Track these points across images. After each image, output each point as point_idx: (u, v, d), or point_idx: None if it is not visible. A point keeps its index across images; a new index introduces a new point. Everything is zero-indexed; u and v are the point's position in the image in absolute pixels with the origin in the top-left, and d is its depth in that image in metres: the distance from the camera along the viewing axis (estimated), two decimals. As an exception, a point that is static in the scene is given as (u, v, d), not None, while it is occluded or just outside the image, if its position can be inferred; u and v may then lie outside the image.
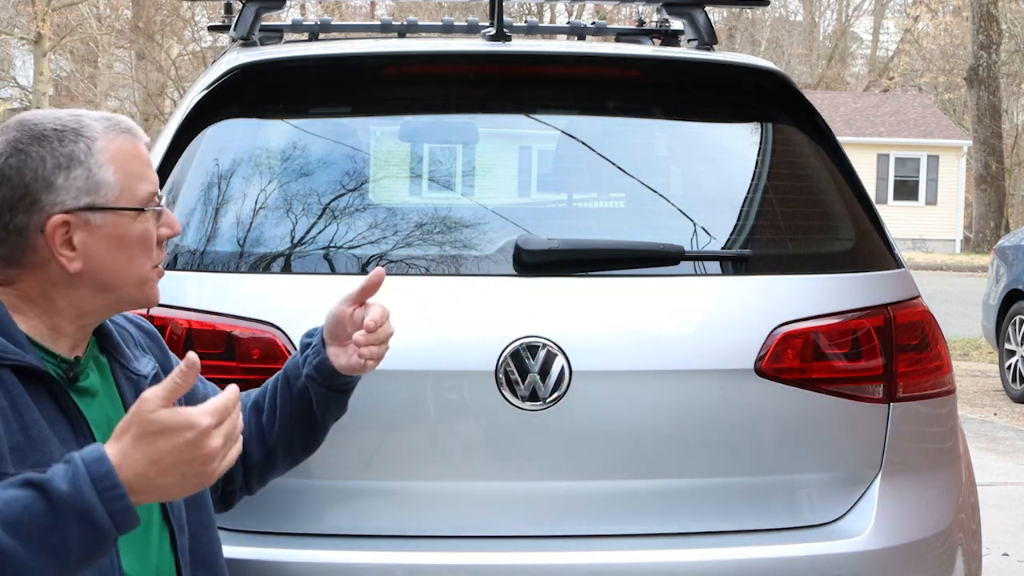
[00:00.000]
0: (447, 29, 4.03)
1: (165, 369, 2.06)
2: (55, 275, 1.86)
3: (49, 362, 1.86)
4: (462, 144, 2.77)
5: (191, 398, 1.98)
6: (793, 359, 2.44)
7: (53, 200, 1.84)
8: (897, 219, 32.27)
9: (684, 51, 3.29)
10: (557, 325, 2.38)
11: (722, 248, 2.58)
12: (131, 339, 2.05)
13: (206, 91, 2.66)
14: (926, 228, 35.24)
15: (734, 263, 2.56)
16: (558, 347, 2.37)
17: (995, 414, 9.04)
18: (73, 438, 1.84)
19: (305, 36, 4.17)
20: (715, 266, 2.54)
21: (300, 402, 2.20)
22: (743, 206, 2.66)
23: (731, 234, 2.62)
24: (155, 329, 2.14)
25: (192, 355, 1.63)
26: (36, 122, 1.87)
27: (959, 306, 15.76)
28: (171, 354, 2.13)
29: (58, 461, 1.75)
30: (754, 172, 2.75)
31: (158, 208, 1.94)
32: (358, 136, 2.74)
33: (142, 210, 1.91)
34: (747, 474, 2.46)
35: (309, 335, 2.22)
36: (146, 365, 2.03)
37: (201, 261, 2.47)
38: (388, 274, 2.42)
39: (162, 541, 1.98)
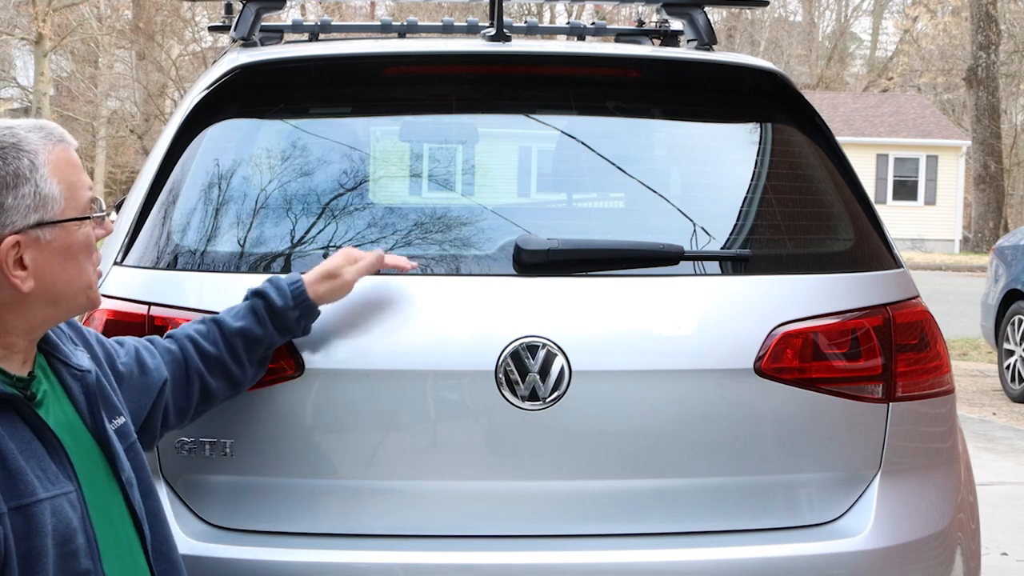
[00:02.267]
0: (447, 29, 4.03)
1: (92, 357, 2.06)
2: (5, 296, 1.84)
3: (5, 382, 1.84)
4: (462, 144, 2.77)
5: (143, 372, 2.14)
6: (792, 359, 2.45)
7: (3, 222, 1.80)
8: (896, 219, 32.28)
9: (684, 51, 3.29)
10: (557, 325, 2.38)
11: (722, 248, 2.58)
12: (63, 334, 2.03)
13: (206, 91, 2.67)
14: (925, 228, 35.24)
15: (734, 263, 2.57)
16: (558, 347, 2.37)
17: (994, 414, 9.04)
18: (46, 454, 1.84)
19: (305, 36, 4.17)
20: (715, 266, 2.54)
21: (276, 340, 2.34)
22: (743, 206, 2.67)
23: (731, 234, 2.62)
24: (75, 320, 2.12)
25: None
26: None
27: (958, 306, 15.76)
28: (92, 343, 2.11)
29: (38, 485, 1.77)
30: (754, 172, 2.75)
31: (100, 214, 1.94)
32: (358, 136, 2.74)
33: (87, 218, 1.90)
34: (746, 474, 2.46)
35: (279, 288, 2.33)
36: (82, 358, 2.02)
37: (201, 261, 2.47)
38: (388, 274, 2.43)
39: (133, 542, 1.98)
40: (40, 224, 1.83)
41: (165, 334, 2.31)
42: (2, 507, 1.74)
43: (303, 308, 2.32)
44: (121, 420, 2.05)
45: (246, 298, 2.34)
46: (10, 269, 1.82)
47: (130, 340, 2.23)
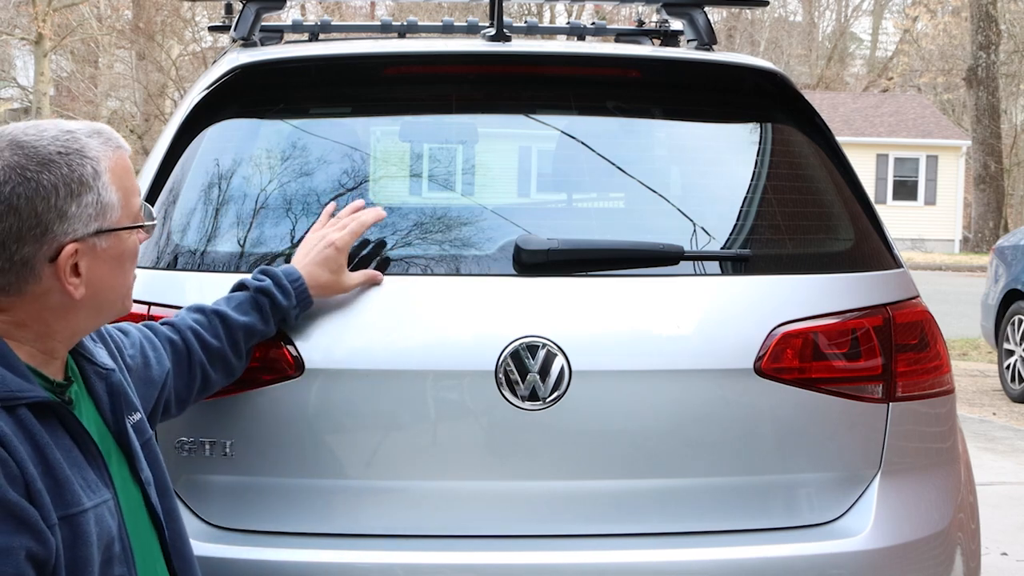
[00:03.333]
0: (447, 29, 4.03)
1: (109, 352, 2.05)
2: (55, 302, 1.81)
3: (46, 388, 1.83)
4: (462, 144, 2.77)
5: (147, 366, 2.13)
6: (792, 359, 2.45)
7: (65, 229, 1.78)
8: (896, 219, 32.30)
9: (684, 51, 3.29)
10: (557, 325, 2.38)
11: (722, 248, 2.58)
12: None
13: (206, 91, 2.67)
14: (925, 228, 35.25)
15: (734, 263, 2.57)
16: (558, 347, 2.37)
17: (994, 414, 9.04)
18: (84, 461, 1.82)
19: (305, 36, 4.17)
20: (715, 266, 2.54)
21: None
22: (743, 206, 2.67)
23: (731, 234, 2.62)
24: None
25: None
26: (35, 143, 1.79)
27: (958, 306, 15.77)
28: (104, 335, 2.09)
29: (82, 494, 1.76)
30: (754, 172, 2.75)
31: (152, 222, 1.93)
32: (358, 136, 2.74)
33: (141, 226, 1.89)
34: (746, 474, 2.46)
35: (281, 285, 2.34)
36: (103, 355, 2.01)
37: (201, 261, 2.47)
38: (388, 274, 2.44)
39: (153, 543, 1.98)
40: (98, 232, 1.82)
41: (163, 321, 2.30)
42: (52, 518, 1.72)
43: (303, 304, 2.36)
44: (137, 416, 2.02)
45: (243, 288, 2.34)
46: (66, 276, 1.80)
47: (133, 330, 2.21)
